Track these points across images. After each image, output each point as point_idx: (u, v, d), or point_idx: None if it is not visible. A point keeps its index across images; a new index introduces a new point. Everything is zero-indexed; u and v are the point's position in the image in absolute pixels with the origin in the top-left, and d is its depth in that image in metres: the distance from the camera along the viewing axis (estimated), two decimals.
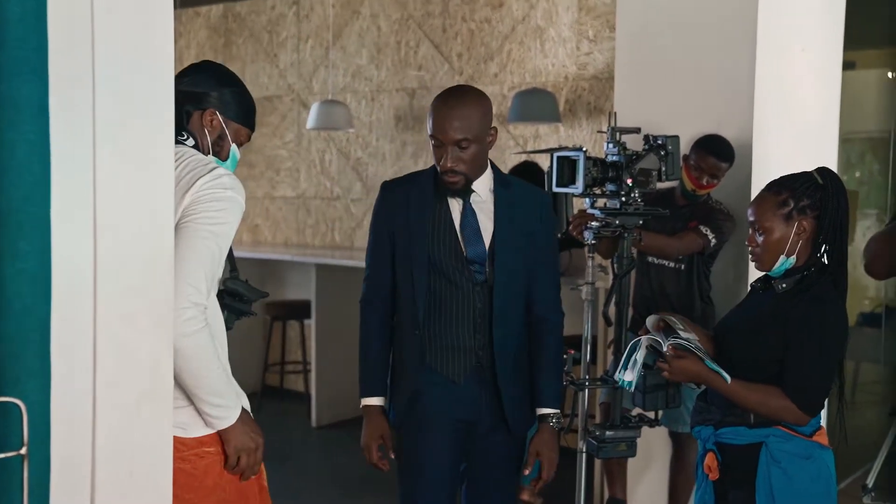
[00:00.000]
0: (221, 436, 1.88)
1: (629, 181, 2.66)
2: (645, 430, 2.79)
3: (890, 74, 6.28)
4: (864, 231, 6.20)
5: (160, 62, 1.58)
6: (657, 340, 2.25)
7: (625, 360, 2.34)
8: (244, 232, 6.84)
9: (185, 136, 1.95)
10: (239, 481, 1.93)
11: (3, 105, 1.30)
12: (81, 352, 1.47)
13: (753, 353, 2.20)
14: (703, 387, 2.29)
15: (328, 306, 5.50)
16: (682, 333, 2.25)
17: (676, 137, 2.75)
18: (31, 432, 1.33)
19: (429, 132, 2.32)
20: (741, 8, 3.42)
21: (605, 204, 2.73)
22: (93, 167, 1.47)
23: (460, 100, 2.30)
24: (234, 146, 2.03)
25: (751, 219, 2.25)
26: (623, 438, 2.68)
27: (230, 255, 1.93)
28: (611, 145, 2.71)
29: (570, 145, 2.72)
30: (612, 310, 2.76)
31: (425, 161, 5.81)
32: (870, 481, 4.16)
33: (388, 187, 2.45)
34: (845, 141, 5.72)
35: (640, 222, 2.71)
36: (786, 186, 2.21)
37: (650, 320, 2.41)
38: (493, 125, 2.35)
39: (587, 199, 2.73)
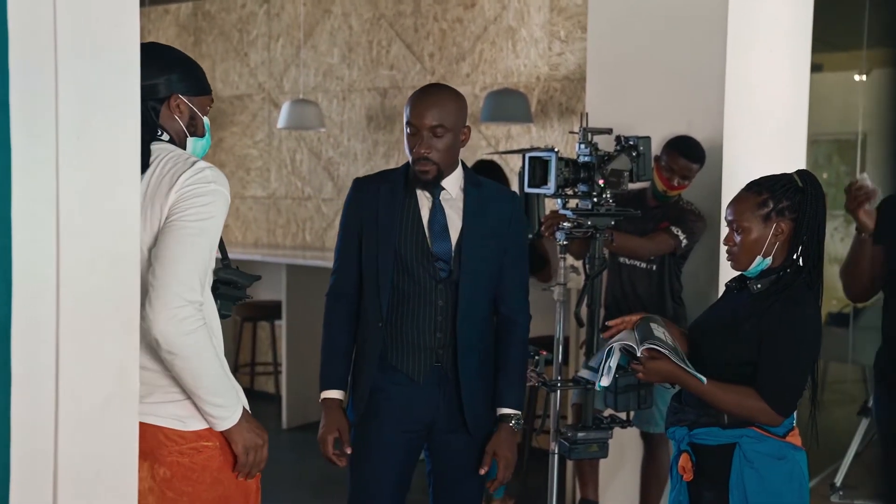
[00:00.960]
0: (227, 436, 1.86)
1: (601, 182, 2.67)
2: (617, 431, 2.79)
3: (857, 77, 6.34)
4: (831, 232, 6.26)
5: (125, 58, 1.55)
6: (629, 344, 2.24)
7: (600, 366, 2.31)
8: None
9: (161, 133, 1.92)
10: (245, 479, 1.91)
11: None
12: (43, 356, 1.43)
13: (727, 354, 2.21)
14: (678, 387, 2.29)
15: (299, 307, 5.46)
16: (657, 333, 2.24)
17: (648, 138, 2.76)
18: None
19: (405, 120, 2.33)
20: (711, 10, 3.45)
21: (576, 205, 2.73)
22: (55, 165, 1.43)
23: (438, 90, 2.36)
24: (205, 119, 2.00)
25: (729, 218, 2.25)
26: (595, 440, 2.68)
27: (220, 245, 1.91)
28: (583, 146, 2.71)
29: (542, 146, 2.72)
30: (583, 310, 2.76)
31: (397, 161, 5.78)
32: (838, 480, 4.20)
33: (360, 183, 2.46)
34: (813, 142, 5.76)
35: (612, 223, 2.72)
36: (766, 187, 2.21)
37: (628, 320, 2.39)
38: (467, 124, 2.37)
39: (559, 200, 2.73)
